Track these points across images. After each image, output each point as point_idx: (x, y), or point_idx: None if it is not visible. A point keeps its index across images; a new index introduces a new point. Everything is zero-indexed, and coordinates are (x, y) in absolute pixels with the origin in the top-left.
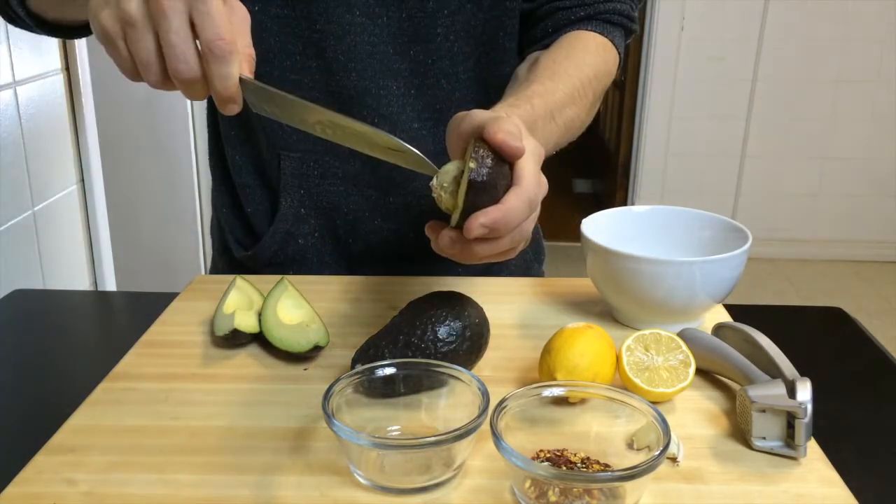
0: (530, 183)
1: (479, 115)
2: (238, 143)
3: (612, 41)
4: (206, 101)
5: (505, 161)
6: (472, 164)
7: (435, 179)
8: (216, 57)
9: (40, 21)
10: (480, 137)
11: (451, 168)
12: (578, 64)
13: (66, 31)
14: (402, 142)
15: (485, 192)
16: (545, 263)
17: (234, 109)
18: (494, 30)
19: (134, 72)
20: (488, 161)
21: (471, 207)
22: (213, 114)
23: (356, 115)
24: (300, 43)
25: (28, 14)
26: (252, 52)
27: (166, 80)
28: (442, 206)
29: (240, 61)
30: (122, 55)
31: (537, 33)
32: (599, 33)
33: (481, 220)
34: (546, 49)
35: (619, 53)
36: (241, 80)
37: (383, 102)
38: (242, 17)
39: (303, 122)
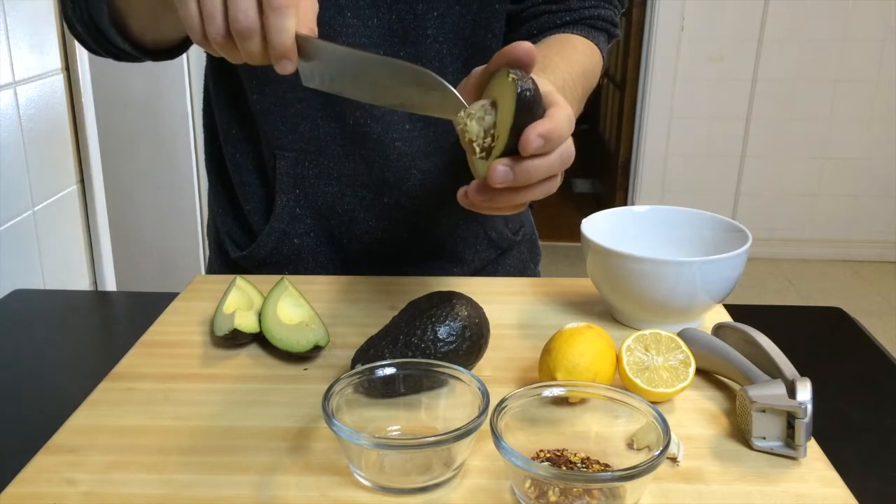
0: (566, 107)
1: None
2: (238, 140)
3: (596, 45)
4: (202, 102)
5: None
6: (514, 76)
7: (462, 112)
8: (274, 9)
9: (143, 48)
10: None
11: (477, 103)
12: (568, 61)
13: (168, 51)
14: (441, 80)
15: (531, 107)
16: (540, 264)
17: (288, 67)
18: (482, 32)
19: (200, 28)
20: (523, 77)
21: (520, 125)
22: (210, 114)
23: (348, 116)
24: None
25: (132, 45)
26: (314, 26)
27: (227, 35)
28: (467, 137)
29: (298, 20)
30: (191, 11)
31: (521, 34)
32: (584, 37)
33: (538, 129)
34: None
35: (603, 57)
36: (297, 37)
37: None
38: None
39: (356, 85)
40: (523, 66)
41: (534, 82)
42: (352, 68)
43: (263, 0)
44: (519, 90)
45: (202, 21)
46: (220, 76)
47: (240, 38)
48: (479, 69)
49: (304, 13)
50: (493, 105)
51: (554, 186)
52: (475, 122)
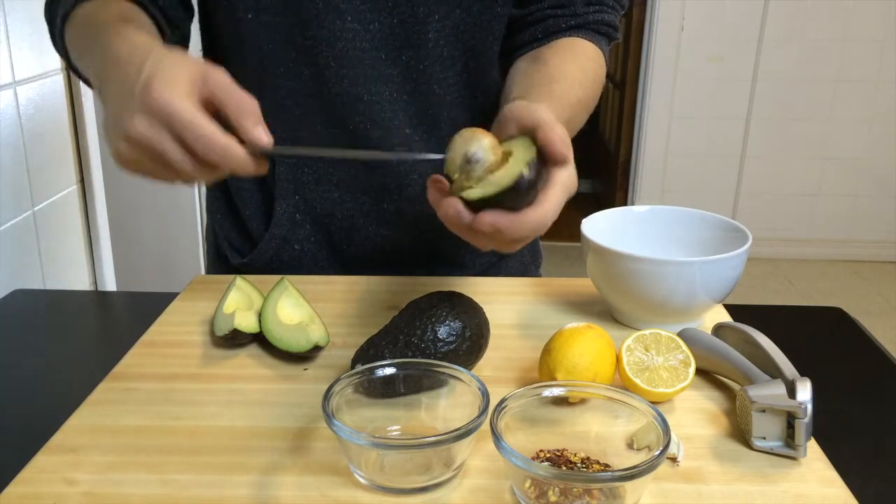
0: (550, 210)
1: (540, 112)
2: None
3: (600, 49)
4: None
5: (543, 173)
6: (524, 167)
7: (450, 171)
8: (219, 163)
9: None
10: (533, 139)
11: (484, 154)
12: (584, 71)
13: None
14: (412, 155)
15: (516, 197)
16: (542, 266)
17: (263, 171)
18: (482, 34)
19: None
20: (534, 170)
21: (495, 202)
22: None
23: (348, 122)
24: (293, 50)
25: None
26: (251, 107)
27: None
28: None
29: (244, 130)
30: (146, 176)
31: (525, 37)
32: (590, 41)
33: (493, 220)
34: (544, 47)
35: (606, 61)
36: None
37: (375, 108)
38: (220, 82)
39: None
40: (551, 160)
41: (535, 178)
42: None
43: (201, 161)
44: (518, 181)
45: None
46: None
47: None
48: (521, 109)
49: (243, 122)
50: (468, 161)
51: (507, 250)
52: (462, 174)
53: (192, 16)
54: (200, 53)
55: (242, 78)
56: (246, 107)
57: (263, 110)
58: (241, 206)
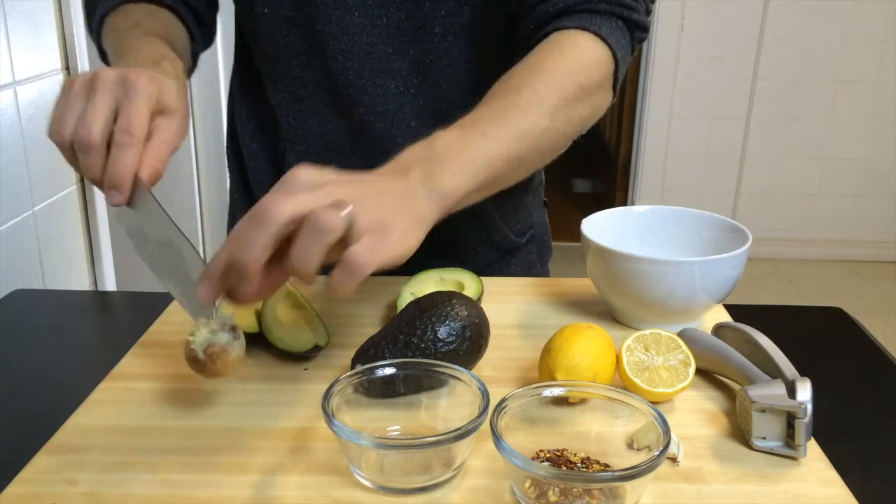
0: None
1: None
2: (255, 132)
3: (596, 33)
4: (227, 93)
5: None
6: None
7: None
8: (117, 144)
9: None
10: None
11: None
12: (530, 79)
13: None
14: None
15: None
16: (550, 262)
17: (117, 198)
18: (488, 29)
19: (53, 126)
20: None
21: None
22: (231, 104)
23: (354, 113)
24: (304, 43)
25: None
26: (159, 167)
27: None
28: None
29: (139, 161)
30: (56, 109)
31: (522, 32)
32: (579, 27)
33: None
34: (526, 58)
35: (608, 43)
36: (138, 184)
37: (380, 101)
38: (166, 140)
39: (152, 253)
40: None
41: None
42: (156, 234)
43: (113, 133)
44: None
45: (58, 120)
46: (247, 68)
47: (78, 148)
48: None
49: (154, 153)
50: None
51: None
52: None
53: (217, 9)
54: (203, 55)
55: (262, 67)
56: (155, 166)
57: (278, 100)
58: (255, 192)
